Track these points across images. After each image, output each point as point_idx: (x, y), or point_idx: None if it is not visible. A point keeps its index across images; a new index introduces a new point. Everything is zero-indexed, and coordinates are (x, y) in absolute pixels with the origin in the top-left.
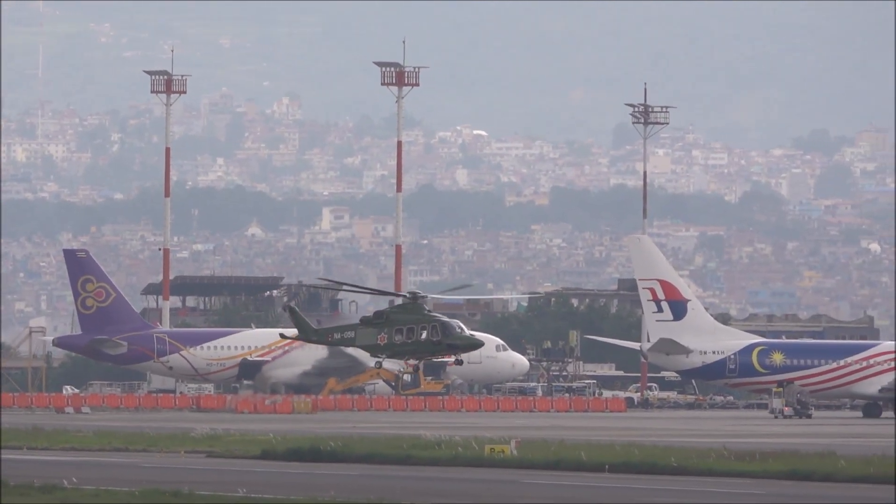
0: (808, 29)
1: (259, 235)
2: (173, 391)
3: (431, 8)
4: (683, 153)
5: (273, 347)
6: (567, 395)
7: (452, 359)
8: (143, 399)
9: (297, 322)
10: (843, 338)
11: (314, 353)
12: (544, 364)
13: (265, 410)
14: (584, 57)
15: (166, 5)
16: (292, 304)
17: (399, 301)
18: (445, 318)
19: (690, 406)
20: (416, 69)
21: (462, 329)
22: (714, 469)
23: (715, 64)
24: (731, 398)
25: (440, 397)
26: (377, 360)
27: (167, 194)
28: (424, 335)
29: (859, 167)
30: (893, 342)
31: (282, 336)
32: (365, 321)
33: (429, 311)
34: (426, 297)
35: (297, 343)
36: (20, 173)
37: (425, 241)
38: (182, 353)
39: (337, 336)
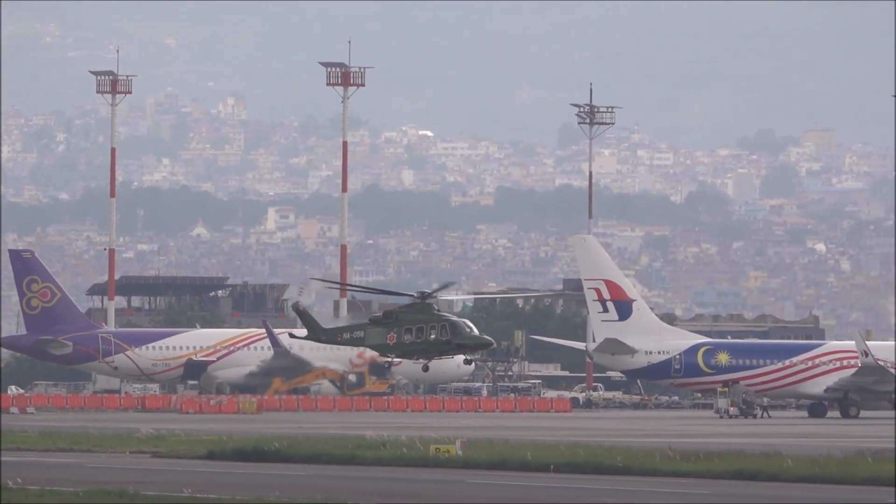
0: (753, 29)
1: (204, 235)
2: (118, 391)
3: (377, 8)
4: (629, 153)
5: (218, 347)
6: (512, 395)
7: (463, 358)
8: (88, 399)
9: (307, 322)
10: (789, 338)
11: (259, 354)
12: (489, 364)
13: (210, 410)
14: (529, 57)
15: (112, 5)
16: (301, 304)
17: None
18: (455, 318)
19: (636, 406)
20: (362, 69)
21: (471, 328)
22: (659, 469)
23: (660, 64)
24: (676, 398)
25: (385, 397)
26: (387, 360)
27: (112, 194)
28: (434, 335)
29: (805, 167)
30: (839, 342)
31: (291, 336)
32: (374, 321)
33: (438, 310)
34: (435, 296)
35: (242, 343)
36: None
37: (371, 242)
38: (127, 353)
39: (346, 336)
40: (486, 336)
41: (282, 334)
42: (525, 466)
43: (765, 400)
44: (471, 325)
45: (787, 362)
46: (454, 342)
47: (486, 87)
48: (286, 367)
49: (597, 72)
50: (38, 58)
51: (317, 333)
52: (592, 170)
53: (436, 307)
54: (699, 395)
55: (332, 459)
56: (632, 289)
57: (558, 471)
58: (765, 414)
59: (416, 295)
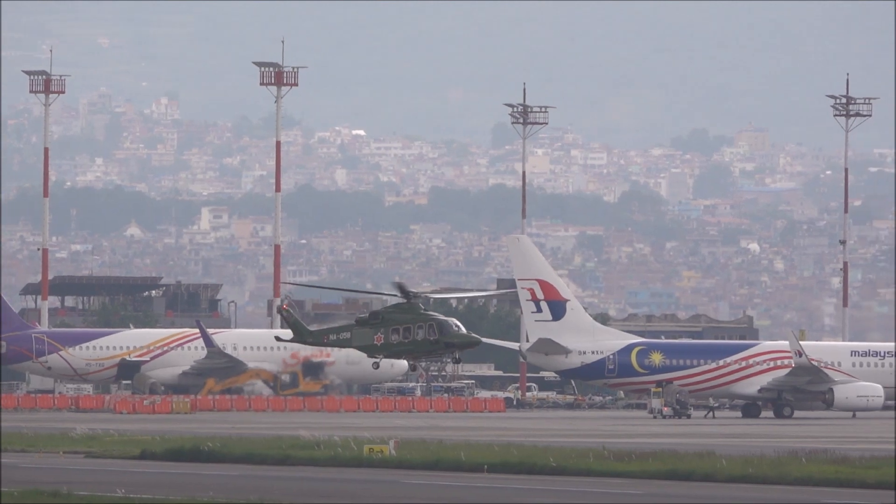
0: (686, 29)
1: (138, 235)
2: (52, 391)
3: (310, 8)
4: (562, 153)
5: (152, 347)
6: (446, 395)
7: (451, 357)
8: (21, 399)
9: (292, 325)
10: (722, 338)
11: (193, 354)
12: (423, 364)
13: (144, 411)
14: (462, 57)
15: (45, 5)
16: (286, 308)
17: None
18: (442, 317)
19: (569, 406)
20: (295, 69)
21: (459, 327)
22: (593, 469)
23: (594, 64)
24: (610, 398)
25: (319, 398)
26: (374, 360)
27: (46, 194)
28: (421, 334)
29: (738, 167)
30: (772, 342)
31: (277, 339)
32: (360, 322)
33: (424, 310)
34: (421, 296)
35: (175, 343)
36: None
37: (304, 241)
38: (61, 353)
39: (332, 337)
40: (473, 334)
41: (215, 334)
42: (459, 466)
43: (711, 400)
44: (458, 323)
45: (721, 362)
46: (442, 341)
47: (419, 87)
48: (220, 368)
49: (530, 72)
50: None
51: (303, 336)
52: (526, 169)
53: (422, 307)
54: (622, 393)
55: (266, 459)
56: (565, 289)
57: (492, 471)
58: (711, 414)
59: (401, 295)
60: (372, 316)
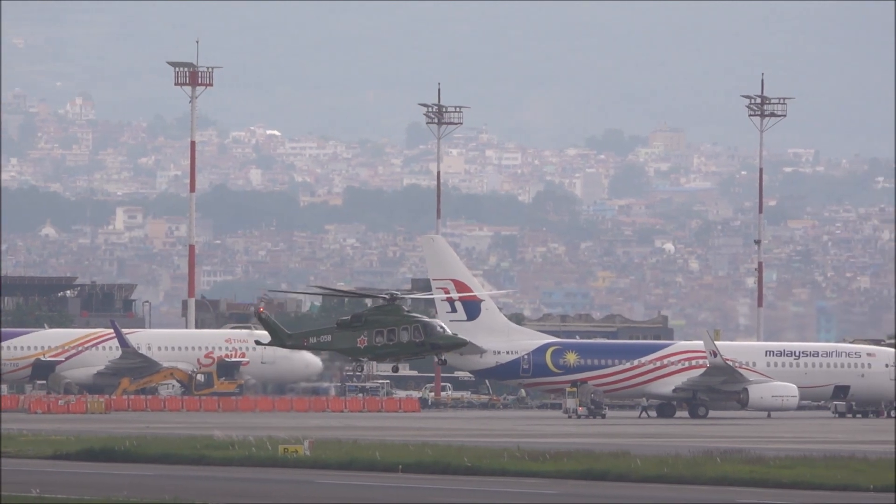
0: (601, 29)
1: (52, 235)
2: None
3: (224, 8)
4: (477, 153)
5: (66, 347)
6: (360, 395)
7: (437, 359)
8: None
9: (270, 328)
10: (637, 338)
11: (108, 354)
12: (337, 364)
13: (58, 410)
14: (377, 57)
15: None
16: (263, 311)
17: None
18: (426, 319)
19: (484, 406)
20: (210, 69)
21: (444, 328)
22: (507, 469)
23: (508, 64)
24: (513, 397)
25: (234, 397)
26: (358, 362)
27: None
28: (406, 336)
29: (653, 167)
30: (687, 342)
31: (257, 343)
32: (342, 324)
33: (408, 311)
34: (405, 298)
35: (90, 343)
36: None
37: (219, 242)
38: None
39: (313, 340)
40: (459, 336)
41: (130, 334)
42: (373, 466)
43: (645, 400)
44: (443, 325)
45: (636, 362)
46: (428, 342)
47: (333, 86)
48: (134, 367)
49: (444, 71)
50: None
51: (281, 339)
52: (440, 170)
53: (405, 309)
54: (523, 392)
55: (181, 459)
56: (480, 288)
57: (406, 471)
58: (644, 414)
59: (385, 297)
60: (354, 318)
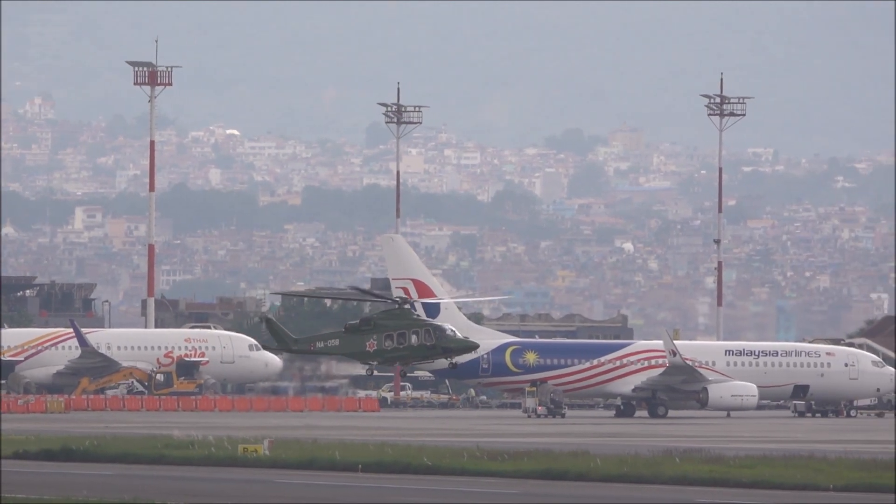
0: (560, 28)
1: (11, 235)
2: None
3: (183, 7)
4: (436, 153)
5: (26, 347)
6: (320, 394)
7: (448, 362)
8: None
9: (275, 333)
10: (597, 337)
11: (67, 353)
12: (297, 364)
13: (18, 410)
14: (336, 56)
15: None
16: (269, 315)
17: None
18: (436, 322)
19: (444, 405)
20: (169, 69)
21: (454, 332)
22: (467, 468)
23: (467, 63)
24: (484, 398)
25: (193, 397)
26: (368, 366)
27: None
28: (416, 340)
29: (613, 167)
30: (647, 341)
31: (265, 348)
32: (350, 329)
33: (417, 315)
34: (415, 301)
35: (50, 342)
36: None
37: (178, 241)
38: None
39: (320, 345)
40: (470, 339)
41: (89, 333)
42: (333, 466)
43: (619, 399)
44: (454, 328)
45: (595, 361)
46: (439, 346)
47: (292, 86)
48: (94, 367)
49: (403, 71)
50: None
51: (287, 344)
52: (400, 169)
53: (415, 312)
54: (472, 391)
55: (140, 459)
56: (439, 288)
57: (366, 470)
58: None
59: (396, 300)
60: (363, 322)
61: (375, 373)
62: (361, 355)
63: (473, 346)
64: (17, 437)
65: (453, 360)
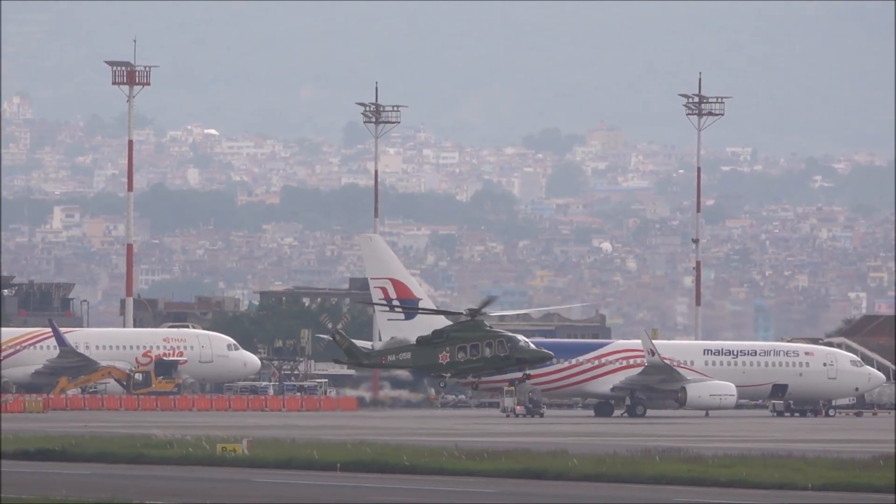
0: (538, 28)
1: None
2: None
3: (161, 7)
4: (415, 152)
5: (4, 347)
6: (299, 393)
7: (522, 373)
8: None
9: (346, 348)
10: (575, 337)
11: (45, 353)
12: (276, 363)
13: None
14: (314, 55)
15: None
16: (340, 328)
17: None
18: (509, 333)
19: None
20: (147, 68)
21: (528, 343)
22: (446, 468)
23: (445, 62)
24: (462, 397)
25: (172, 396)
26: (441, 378)
27: None
28: (489, 351)
29: (591, 166)
30: (625, 341)
31: (336, 362)
32: (422, 341)
33: (489, 326)
34: (486, 313)
35: (28, 342)
36: None
37: (157, 241)
38: None
39: (391, 358)
40: (544, 350)
41: (68, 333)
42: (311, 465)
43: (589, 399)
44: (526, 339)
45: (574, 361)
46: (513, 357)
47: (270, 85)
48: (72, 366)
49: (381, 70)
50: None
51: (358, 358)
52: (378, 169)
53: (487, 324)
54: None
55: (119, 458)
56: (418, 288)
57: (344, 469)
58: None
59: (465, 312)
60: (435, 335)
61: (443, 385)
62: (434, 367)
63: (548, 357)
64: None
65: (527, 371)
